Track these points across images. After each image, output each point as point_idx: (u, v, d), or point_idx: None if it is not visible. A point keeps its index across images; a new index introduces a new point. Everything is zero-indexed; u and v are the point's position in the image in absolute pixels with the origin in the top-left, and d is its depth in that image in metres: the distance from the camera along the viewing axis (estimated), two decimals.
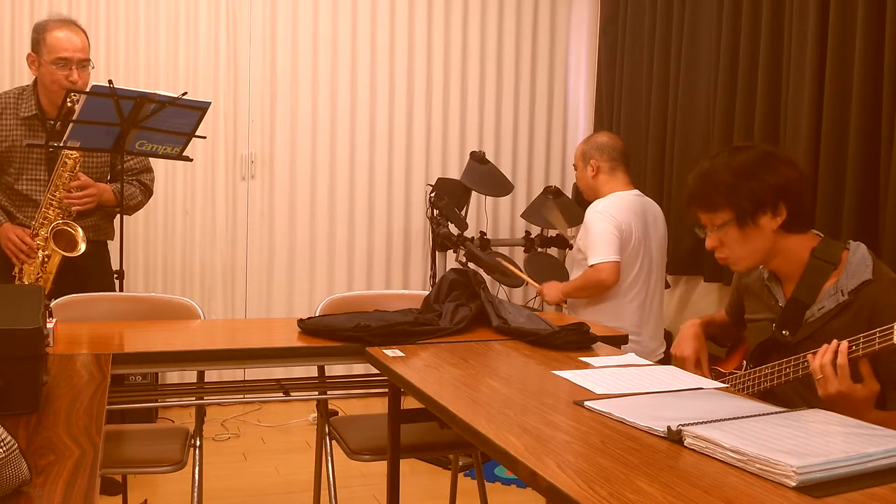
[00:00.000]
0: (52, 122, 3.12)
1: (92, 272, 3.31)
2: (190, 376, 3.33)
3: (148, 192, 3.50)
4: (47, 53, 3.17)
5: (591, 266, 3.30)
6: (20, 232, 3.19)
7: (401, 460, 2.42)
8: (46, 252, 3.16)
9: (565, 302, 3.57)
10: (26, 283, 3.19)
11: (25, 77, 4.17)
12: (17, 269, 3.21)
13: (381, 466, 2.48)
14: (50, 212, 3.17)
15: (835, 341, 1.79)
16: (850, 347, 1.75)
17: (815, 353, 1.83)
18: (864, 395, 1.77)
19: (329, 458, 2.65)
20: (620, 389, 1.83)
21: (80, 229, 3.18)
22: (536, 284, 3.69)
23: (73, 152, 3.13)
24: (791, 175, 2.01)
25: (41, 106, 3.24)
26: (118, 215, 3.34)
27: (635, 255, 3.34)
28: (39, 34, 3.21)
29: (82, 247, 3.17)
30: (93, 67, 3.29)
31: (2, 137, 3.22)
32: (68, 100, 3.02)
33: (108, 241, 3.49)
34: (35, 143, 3.19)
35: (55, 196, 3.16)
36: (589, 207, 3.41)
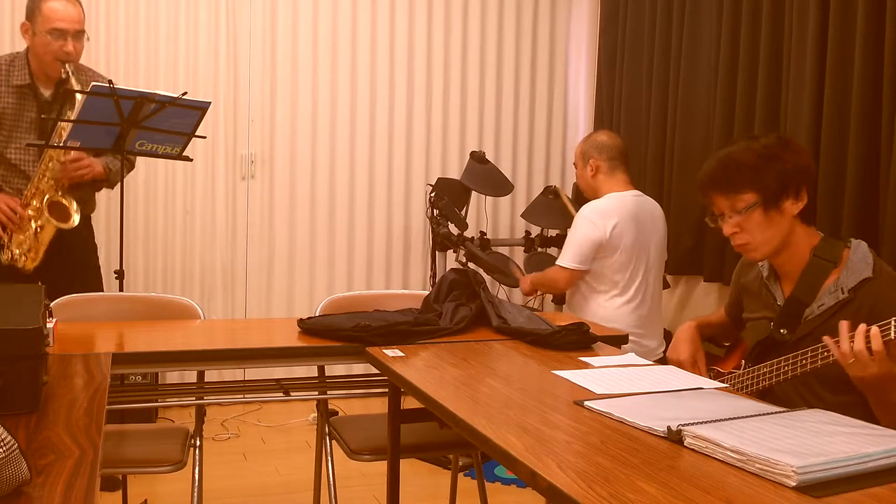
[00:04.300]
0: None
1: (76, 245, 3.34)
2: (190, 376, 3.33)
3: (130, 165, 3.50)
4: (42, 23, 3.18)
5: (556, 265, 3.43)
6: (11, 201, 3.19)
7: (401, 460, 2.42)
8: (40, 223, 3.17)
9: (536, 292, 3.72)
10: (16, 251, 3.20)
11: None
12: (6, 239, 3.20)
13: (381, 466, 2.47)
14: (42, 183, 3.18)
15: (862, 325, 1.76)
16: (882, 331, 1.72)
17: (836, 341, 1.79)
18: None
19: (329, 458, 2.65)
20: (620, 389, 1.83)
21: (73, 202, 3.20)
22: (520, 275, 3.83)
23: (67, 125, 3.13)
24: (809, 160, 2.04)
25: (33, 74, 3.25)
26: (120, 215, 3.35)
27: (628, 257, 3.34)
28: (35, 3, 3.22)
29: (76, 218, 3.19)
30: (88, 39, 3.31)
31: None
32: (62, 71, 3.11)
33: (91, 215, 3.54)
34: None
35: (48, 167, 3.17)
36: (583, 206, 3.42)
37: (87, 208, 3.45)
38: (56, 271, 3.24)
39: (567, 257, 3.36)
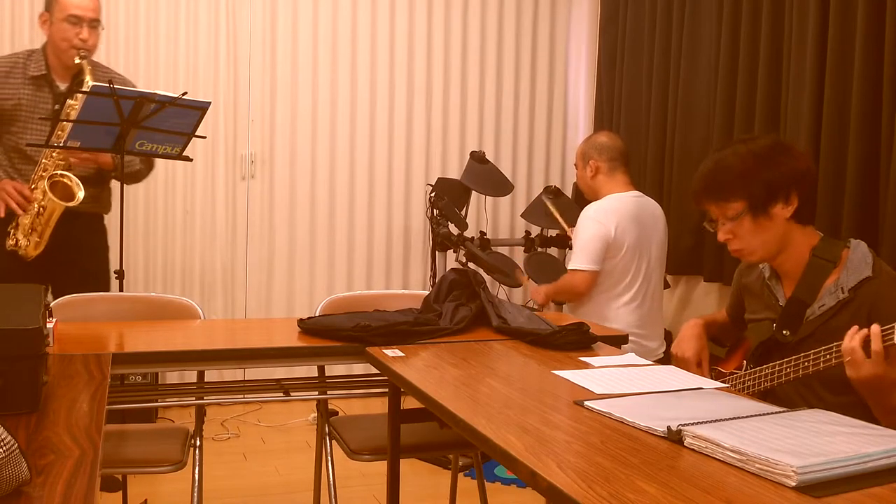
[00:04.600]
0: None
1: (87, 247, 3.38)
2: (190, 376, 3.33)
3: (148, 162, 3.52)
4: (59, 11, 3.26)
5: (569, 271, 3.39)
6: (18, 185, 3.23)
7: (401, 460, 2.42)
8: (43, 203, 3.19)
9: (552, 302, 3.67)
10: (20, 237, 3.22)
11: None
12: (12, 225, 3.23)
13: (381, 466, 2.48)
14: (49, 164, 3.21)
15: (856, 327, 1.76)
16: (883, 334, 1.72)
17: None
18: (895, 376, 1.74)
19: (329, 458, 2.65)
20: (620, 389, 1.83)
21: (74, 177, 3.21)
22: (534, 283, 3.78)
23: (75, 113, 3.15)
24: (801, 163, 2.02)
25: (50, 66, 3.31)
26: (120, 215, 3.35)
27: (630, 258, 3.34)
28: None
29: (80, 195, 3.20)
30: (103, 29, 3.38)
31: (8, 95, 3.28)
32: (77, 58, 3.19)
33: (105, 216, 3.55)
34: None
35: (53, 150, 3.20)
36: (584, 209, 3.42)
37: (100, 207, 3.46)
38: (63, 274, 3.26)
39: (580, 259, 3.33)
